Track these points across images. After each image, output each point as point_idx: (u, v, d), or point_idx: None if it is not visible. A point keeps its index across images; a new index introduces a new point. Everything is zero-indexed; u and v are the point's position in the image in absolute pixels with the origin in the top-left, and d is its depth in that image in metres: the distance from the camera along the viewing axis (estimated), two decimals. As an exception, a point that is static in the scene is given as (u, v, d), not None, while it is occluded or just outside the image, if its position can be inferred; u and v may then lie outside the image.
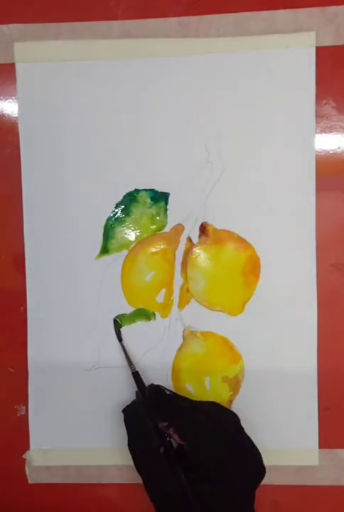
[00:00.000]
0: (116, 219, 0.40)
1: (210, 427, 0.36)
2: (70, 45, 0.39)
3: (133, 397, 0.39)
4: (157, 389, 0.38)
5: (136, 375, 0.39)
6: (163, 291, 0.40)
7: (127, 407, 0.38)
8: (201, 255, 0.40)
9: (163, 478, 0.35)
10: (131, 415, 0.37)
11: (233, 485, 0.35)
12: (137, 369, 0.39)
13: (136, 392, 0.38)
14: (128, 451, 0.37)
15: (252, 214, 0.39)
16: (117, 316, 0.40)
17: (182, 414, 0.36)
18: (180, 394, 0.38)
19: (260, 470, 0.36)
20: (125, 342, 0.40)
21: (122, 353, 0.39)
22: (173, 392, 0.38)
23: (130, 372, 0.39)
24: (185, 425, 0.36)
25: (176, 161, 0.39)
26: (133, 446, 0.37)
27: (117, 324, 0.40)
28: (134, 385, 0.39)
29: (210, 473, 0.35)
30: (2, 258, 0.41)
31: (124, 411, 0.38)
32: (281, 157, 0.39)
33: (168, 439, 0.36)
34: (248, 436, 0.36)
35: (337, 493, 0.40)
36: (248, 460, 0.36)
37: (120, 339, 0.40)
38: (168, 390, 0.38)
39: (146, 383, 0.39)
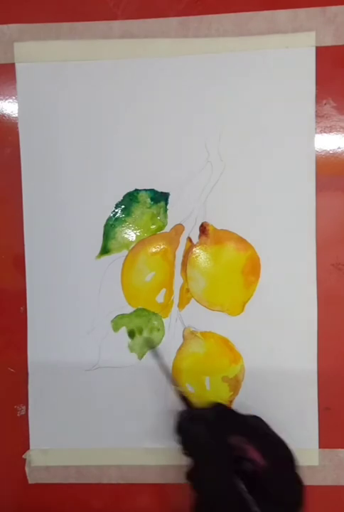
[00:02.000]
0: (117, 219, 0.40)
1: (290, 453, 0.32)
2: (70, 45, 0.39)
3: (132, 397, 0.38)
4: (222, 406, 0.35)
5: (185, 400, 0.35)
6: (163, 291, 0.40)
7: (188, 425, 0.33)
8: (201, 255, 0.40)
9: (229, 502, 0.30)
10: (200, 437, 0.32)
11: (289, 508, 0.31)
12: (184, 394, 0.36)
13: (182, 399, 0.35)
14: (128, 451, 0.37)
15: (252, 214, 0.39)
16: (150, 342, 0.39)
17: (260, 432, 0.32)
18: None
19: (304, 492, 0.32)
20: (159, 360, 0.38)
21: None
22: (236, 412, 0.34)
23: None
24: (267, 444, 0.32)
25: (176, 161, 0.39)
26: (202, 478, 0.31)
27: (154, 350, 0.39)
28: (136, 385, 0.39)
29: (282, 500, 0.31)
30: (2, 258, 0.41)
31: (184, 427, 0.33)
32: (281, 157, 0.39)
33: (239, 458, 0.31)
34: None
35: (337, 493, 0.40)
36: (299, 485, 0.32)
37: (162, 363, 0.38)
38: (233, 409, 0.35)
39: (146, 383, 0.39)
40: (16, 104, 0.40)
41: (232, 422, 0.33)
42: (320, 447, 0.40)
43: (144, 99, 0.39)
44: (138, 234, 0.40)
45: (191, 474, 0.32)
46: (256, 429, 0.33)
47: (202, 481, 0.32)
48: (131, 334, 0.40)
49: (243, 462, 0.31)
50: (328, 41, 0.38)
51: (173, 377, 0.37)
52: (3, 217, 0.41)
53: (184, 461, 0.33)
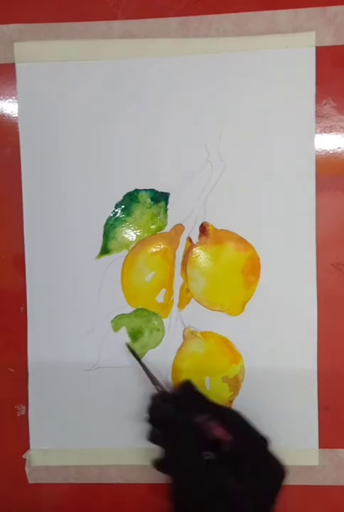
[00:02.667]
0: (117, 219, 0.40)
1: (253, 427, 0.35)
2: (70, 45, 0.39)
3: (132, 397, 0.38)
4: (191, 386, 0.37)
5: (164, 395, 0.37)
6: (163, 291, 0.40)
7: (156, 409, 0.36)
8: (201, 255, 0.40)
9: (203, 478, 0.33)
10: (164, 416, 0.35)
11: (263, 485, 0.34)
12: (163, 389, 0.37)
13: (158, 400, 0.37)
14: (128, 452, 0.37)
15: (252, 214, 0.39)
16: (128, 343, 0.40)
17: (224, 410, 0.36)
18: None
19: (283, 471, 0.35)
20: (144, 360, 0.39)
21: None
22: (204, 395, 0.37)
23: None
24: (231, 419, 0.35)
25: (176, 161, 0.39)
26: (172, 456, 0.34)
27: (130, 348, 0.39)
28: (136, 384, 0.39)
29: (245, 472, 0.33)
30: (2, 258, 0.41)
31: (151, 413, 0.36)
32: (281, 157, 0.39)
33: (203, 436, 0.34)
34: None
35: (337, 493, 0.40)
36: (274, 463, 0.35)
37: (139, 359, 0.39)
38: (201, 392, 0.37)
39: (146, 383, 0.39)
40: (16, 104, 0.40)
41: (198, 401, 0.35)
42: (320, 447, 0.40)
43: (144, 99, 0.39)
44: (138, 234, 0.40)
45: (161, 461, 0.34)
46: (221, 408, 0.35)
47: (171, 459, 0.34)
48: (133, 335, 0.40)
49: (210, 439, 0.33)
50: (328, 41, 0.38)
51: (155, 379, 0.38)
52: (3, 217, 0.41)
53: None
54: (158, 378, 0.39)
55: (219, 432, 0.34)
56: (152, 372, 0.39)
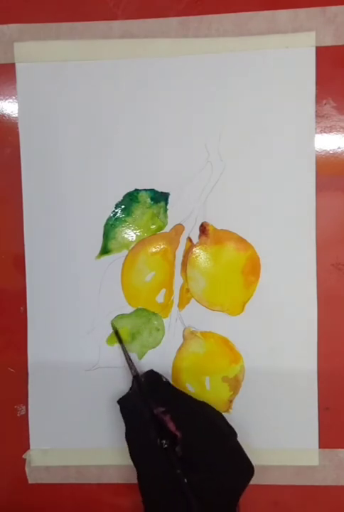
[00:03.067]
0: (117, 219, 0.40)
1: (206, 424, 0.37)
2: (70, 45, 0.39)
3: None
4: (155, 375, 0.39)
5: (136, 378, 0.39)
6: (163, 291, 0.40)
7: (123, 397, 0.38)
8: (201, 255, 0.40)
9: (157, 467, 0.36)
10: (128, 404, 0.38)
11: (222, 479, 0.36)
12: (138, 371, 0.39)
13: (132, 382, 0.39)
14: (128, 452, 0.37)
15: (252, 214, 0.39)
16: (114, 319, 0.40)
17: (179, 404, 0.37)
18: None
19: (248, 470, 0.36)
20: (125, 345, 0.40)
21: (122, 355, 0.40)
22: (169, 382, 0.39)
23: (130, 374, 0.39)
24: (181, 415, 0.37)
25: (176, 161, 0.39)
26: (129, 435, 0.38)
27: (114, 327, 0.40)
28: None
29: (200, 466, 0.36)
30: (2, 258, 0.41)
31: (119, 401, 0.38)
32: (281, 157, 0.39)
33: (163, 427, 0.36)
34: (238, 442, 0.37)
35: (337, 493, 0.40)
36: (237, 460, 0.37)
37: (120, 341, 0.40)
38: (165, 377, 0.38)
39: (129, 356, 0.39)
40: (16, 104, 0.40)
41: (159, 393, 0.38)
42: (320, 447, 0.40)
43: (144, 99, 0.39)
44: (138, 234, 0.40)
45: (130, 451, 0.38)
46: (178, 402, 0.37)
47: (133, 450, 0.37)
48: (133, 335, 0.40)
49: (165, 430, 0.36)
50: (328, 41, 0.38)
51: (131, 363, 0.39)
52: (3, 217, 0.41)
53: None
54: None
55: (171, 427, 0.36)
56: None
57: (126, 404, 0.38)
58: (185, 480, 0.35)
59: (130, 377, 0.39)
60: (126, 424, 0.38)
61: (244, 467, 0.37)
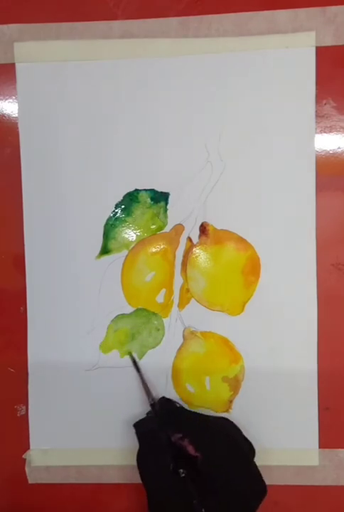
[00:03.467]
0: (117, 219, 0.40)
1: (226, 443, 0.36)
2: (70, 45, 0.39)
3: (132, 397, 0.39)
4: (168, 402, 0.38)
5: (153, 406, 0.38)
6: (163, 291, 0.40)
7: (140, 420, 0.38)
8: (201, 255, 0.40)
9: (172, 495, 0.35)
10: (145, 429, 0.37)
11: (240, 501, 0.35)
12: (155, 401, 0.39)
13: (150, 408, 0.38)
14: (128, 452, 0.37)
15: (252, 214, 0.39)
16: (131, 355, 0.40)
17: (197, 427, 0.37)
18: (181, 394, 0.39)
19: (263, 489, 0.36)
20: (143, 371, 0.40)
21: (140, 382, 0.39)
22: (182, 406, 0.38)
23: (128, 377, 0.39)
24: (200, 437, 0.36)
25: (176, 161, 0.39)
26: (142, 459, 0.37)
27: (131, 356, 0.40)
28: (136, 385, 0.39)
29: (220, 488, 0.35)
30: (2, 258, 0.41)
31: (136, 425, 0.38)
32: (281, 157, 0.39)
33: (179, 453, 0.36)
34: (255, 462, 0.37)
35: (337, 493, 0.40)
36: (255, 479, 0.36)
37: (138, 370, 0.40)
38: (178, 403, 0.38)
39: (148, 384, 0.39)
40: (16, 104, 0.40)
41: (175, 419, 0.37)
42: (320, 447, 0.40)
43: (144, 99, 0.39)
44: (138, 234, 0.40)
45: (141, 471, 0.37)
46: (194, 424, 0.37)
47: (147, 474, 0.37)
48: (133, 335, 0.40)
49: (184, 457, 0.36)
50: (328, 41, 0.38)
51: (149, 391, 0.39)
52: (3, 217, 0.41)
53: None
54: (158, 378, 0.39)
55: (190, 450, 0.36)
56: (151, 371, 0.39)
57: (143, 428, 0.38)
58: (203, 510, 0.34)
59: (130, 378, 0.39)
60: (140, 447, 0.37)
61: (259, 489, 0.36)
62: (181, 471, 0.35)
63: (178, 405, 0.38)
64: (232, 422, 0.38)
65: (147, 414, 0.38)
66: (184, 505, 0.35)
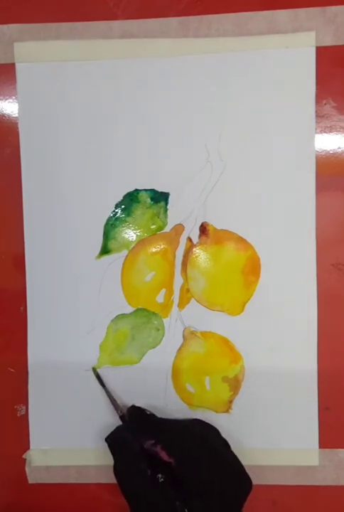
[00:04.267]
0: (117, 219, 0.40)
1: (197, 443, 0.36)
2: (70, 45, 0.39)
3: (132, 397, 0.39)
4: (138, 410, 0.38)
5: (123, 418, 0.38)
6: (163, 291, 0.40)
7: (111, 434, 0.37)
8: (201, 255, 0.40)
9: (153, 502, 0.34)
10: (117, 440, 0.37)
11: (222, 499, 0.35)
12: (123, 412, 0.39)
13: (120, 418, 0.38)
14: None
15: (252, 214, 0.39)
16: (94, 367, 0.40)
17: (167, 432, 0.37)
18: (181, 394, 0.39)
19: (247, 484, 0.36)
20: (108, 386, 0.40)
21: (107, 398, 0.39)
22: (153, 413, 0.38)
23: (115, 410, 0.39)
24: (171, 442, 0.36)
25: (176, 161, 0.39)
26: (120, 471, 0.36)
27: (95, 372, 0.40)
28: (136, 385, 0.39)
29: (199, 489, 0.35)
30: (2, 258, 0.41)
31: (107, 439, 0.37)
32: (281, 157, 0.39)
33: (155, 459, 0.35)
34: (232, 452, 0.37)
35: (337, 493, 0.40)
36: (235, 474, 0.36)
37: (103, 385, 0.40)
38: (148, 410, 0.38)
39: (146, 383, 0.39)
40: (16, 104, 0.40)
41: (146, 426, 0.37)
42: (320, 447, 0.40)
43: (144, 99, 0.39)
44: (138, 234, 0.40)
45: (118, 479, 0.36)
46: (165, 430, 0.37)
47: (126, 484, 0.36)
48: (133, 335, 0.40)
49: (159, 463, 0.35)
50: (328, 41, 0.38)
51: (116, 404, 0.39)
52: (3, 217, 0.41)
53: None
54: (158, 379, 0.39)
55: (164, 456, 0.35)
56: (151, 371, 0.39)
57: (114, 440, 0.37)
58: (186, 510, 0.34)
59: (130, 378, 0.39)
60: (115, 460, 0.37)
61: (242, 479, 0.36)
62: (159, 476, 0.35)
63: (148, 412, 0.38)
64: (203, 422, 0.38)
65: (116, 427, 0.38)
66: (167, 510, 0.34)
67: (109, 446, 0.37)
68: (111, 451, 0.37)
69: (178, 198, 0.40)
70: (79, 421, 0.41)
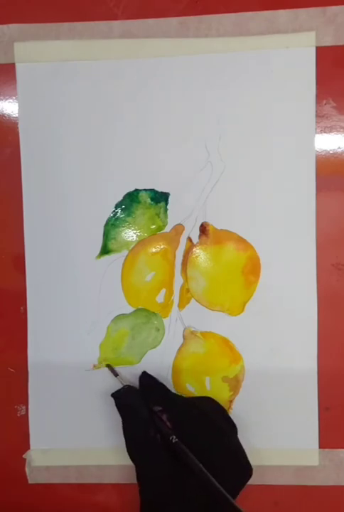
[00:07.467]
0: (117, 219, 0.40)
1: (203, 419, 0.37)
2: (70, 45, 0.39)
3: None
4: (149, 377, 0.39)
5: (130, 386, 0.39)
6: (163, 291, 0.40)
7: (118, 391, 0.38)
8: (201, 255, 0.40)
9: (155, 462, 0.36)
10: (124, 400, 0.38)
11: (218, 480, 0.35)
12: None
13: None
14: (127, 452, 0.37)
15: (252, 214, 0.39)
16: (108, 365, 0.40)
17: (176, 404, 0.37)
18: (181, 393, 0.39)
19: (247, 470, 0.36)
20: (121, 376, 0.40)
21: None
22: (164, 384, 0.39)
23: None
24: (176, 414, 0.37)
25: (176, 161, 0.39)
26: (127, 431, 0.37)
27: (110, 367, 0.40)
28: (136, 385, 0.39)
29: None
30: (2, 258, 0.41)
31: (114, 394, 0.38)
32: (281, 157, 0.39)
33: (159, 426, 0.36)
34: (237, 438, 0.37)
35: (337, 493, 0.40)
36: (235, 457, 0.37)
37: (116, 375, 0.40)
38: (160, 381, 0.39)
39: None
40: (16, 104, 0.40)
41: (155, 394, 0.38)
42: (320, 447, 0.40)
43: (144, 99, 0.39)
44: (138, 234, 0.40)
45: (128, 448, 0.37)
46: (173, 403, 0.38)
47: (125, 432, 0.37)
48: (133, 335, 0.40)
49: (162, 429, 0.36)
50: (328, 41, 0.38)
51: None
52: (3, 217, 0.41)
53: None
54: (158, 379, 0.39)
55: (168, 425, 0.36)
56: (151, 371, 0.40)
57: (121, 399, 0.38)
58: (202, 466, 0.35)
59: (130, 378, 0.39)
60: (123, 418, 0.38)
61: (242, 466, 0.36)
62: (173, 437, 0.35)
63: (159, 381, 0.38)
64: (213, 400, 0.38)
65: (128, 387, 0.39)
66: (172, 473, 0.35)
67: (118, 406, 0.38)
68: (118, 408, 0.38)
69: (178, 198, 0.40)
70: (79, 421, 0.41)
